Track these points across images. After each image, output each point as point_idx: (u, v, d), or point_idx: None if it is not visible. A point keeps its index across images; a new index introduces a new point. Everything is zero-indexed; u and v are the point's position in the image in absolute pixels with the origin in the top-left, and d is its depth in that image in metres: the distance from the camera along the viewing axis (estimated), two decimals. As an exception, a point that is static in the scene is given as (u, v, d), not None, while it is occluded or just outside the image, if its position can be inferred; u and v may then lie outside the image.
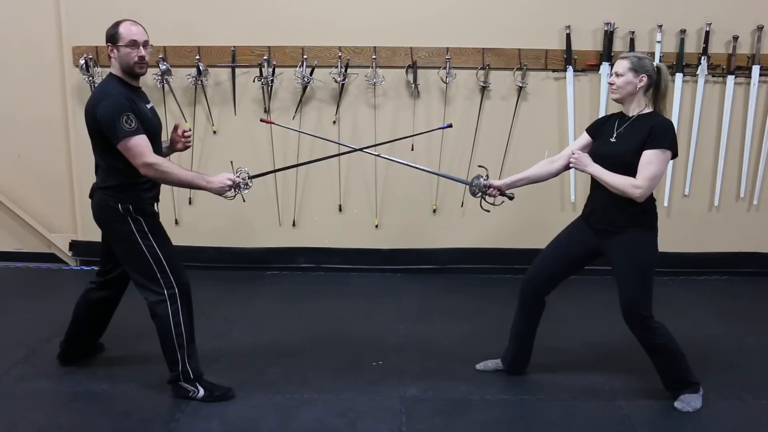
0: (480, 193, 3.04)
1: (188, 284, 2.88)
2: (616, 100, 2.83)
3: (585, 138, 2.97)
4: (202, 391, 2.89)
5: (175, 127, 3.04)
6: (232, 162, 2.91)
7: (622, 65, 2.75)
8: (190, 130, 3.07)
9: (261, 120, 3.55)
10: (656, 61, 2.93)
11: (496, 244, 4.70)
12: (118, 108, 2.63)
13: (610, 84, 2.80)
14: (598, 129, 2.94)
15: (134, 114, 2.65)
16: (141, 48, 2.72)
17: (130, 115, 2.63)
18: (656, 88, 2.80)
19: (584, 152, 2.88)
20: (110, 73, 2.79)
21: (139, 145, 2.65)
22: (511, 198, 3.04)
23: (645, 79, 2.74)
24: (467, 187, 3.09)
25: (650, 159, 2.69)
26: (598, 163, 2.80)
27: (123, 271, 3.00)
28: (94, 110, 2.68)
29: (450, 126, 3.47)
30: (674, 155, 2.74)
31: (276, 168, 3.00)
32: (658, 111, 2.82)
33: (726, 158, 4.56)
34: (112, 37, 2.72)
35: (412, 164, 3.35)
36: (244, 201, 2.90)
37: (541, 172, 3.03)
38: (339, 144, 3.71)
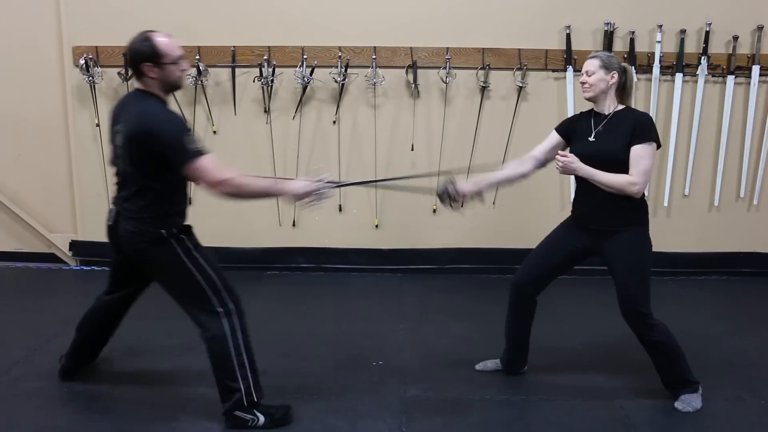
0: (449, 201, 2.93)
1: (240, 299, 2.70)
2: (588, 99, 2.83)
3: (555, 138, 2.94)
4: (262, 418, 2.65)
5: None
6: (316, 169, 2.76)
7: (593, 63, 2.77)
8: None
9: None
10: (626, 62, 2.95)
11: (495, 244, 4.70)
12: (180, 128, 2.46)
13: (582, 83, 2.81)
14: (570, 129, 2.92)
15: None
16: (182, 61, 2.57)
17: (190, 134, 2.47)
18: (622, 88, 2.82)
19: (553, 153, 2.87)
20: (143, 91, 2.56)
21: (210, 163, 2.45)
22: (482, 201, 2.98)
23: (616, 75, 2.76)
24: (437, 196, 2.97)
25: (641, 154, 2.69)
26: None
27: (132, 290, 2.91)
28: (147, 132, 2.44)
29: None
30: (658, 146, 2.76)
31: (363, 180, 2.84)
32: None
33: (726, 158, 4.56)
34: (153, 55, 2.47)
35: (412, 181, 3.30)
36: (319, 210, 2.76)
37: (510, 174, 2.99)
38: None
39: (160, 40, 2.51)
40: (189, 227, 2.70)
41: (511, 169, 3.01)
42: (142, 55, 2.49)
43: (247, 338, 2.69)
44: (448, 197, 2.91)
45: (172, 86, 2.60)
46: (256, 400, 2.66)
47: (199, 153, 2.45)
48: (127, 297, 2.96)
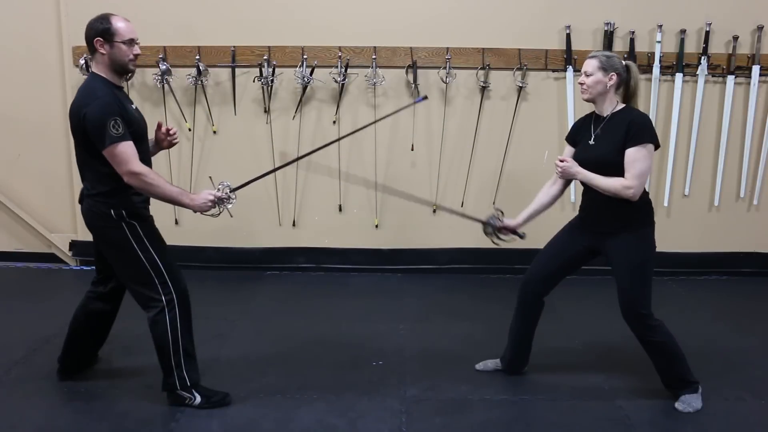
0: (493, 233, 3.06)
1: (187, 290, 2.80)
2: (587, 100, 2.82)
3: (569, 149, 2.96)
4: (198, 398, 2.83)
5: (159, 126, 2.94)
6: (211, 177, 2.88)
7: (591, 64, 2.74)
8: (174, 128, 2.96)
9: None
10: (630, 60, 2.92)
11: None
12: (107, 111, 2.54)
13: (581, 84, 2.78)
14: (576, 135, 2.93)
15: (122, 118, 2.57)
16: (136, 46, 2.68)
17: (117, 119, 2.55)
18: (626, 87, 2.80)
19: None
20: (94, 73, 2.68)
21: (126, 152, 2.56)
22: (522, 237, 3.05)
23: (615, 77, 2.73)
24: (482, 225, 3.10)
25: (635, 157, 2.68)
26: (582, 167, 2.79)
27: (117, 280, 2.95)
28: (81, 112, 2.57)
29: (425, 98, 3.54)
30: (656, 147, 2.74)
31: (256, 176, 2.90)
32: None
33: (726, 158, 4.56)
34: (106, 32, 2.60)
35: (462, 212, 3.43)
36: (231, 216, 2.81)
37: (545, 200, 3.02)
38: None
39: (117, 20, 2.65)
40: (149, 216, 2.81)
41: (545, 195, 3.03)
42: (95, 31, 2.63)
43: (187, 330, 2.80)
44: (493, 230, 3.05)
45: (121, 67, 2.68)
46: (189, 384, 2.81)
47: (119, 139, 2.55)
48: (113, 292, 3.00)
